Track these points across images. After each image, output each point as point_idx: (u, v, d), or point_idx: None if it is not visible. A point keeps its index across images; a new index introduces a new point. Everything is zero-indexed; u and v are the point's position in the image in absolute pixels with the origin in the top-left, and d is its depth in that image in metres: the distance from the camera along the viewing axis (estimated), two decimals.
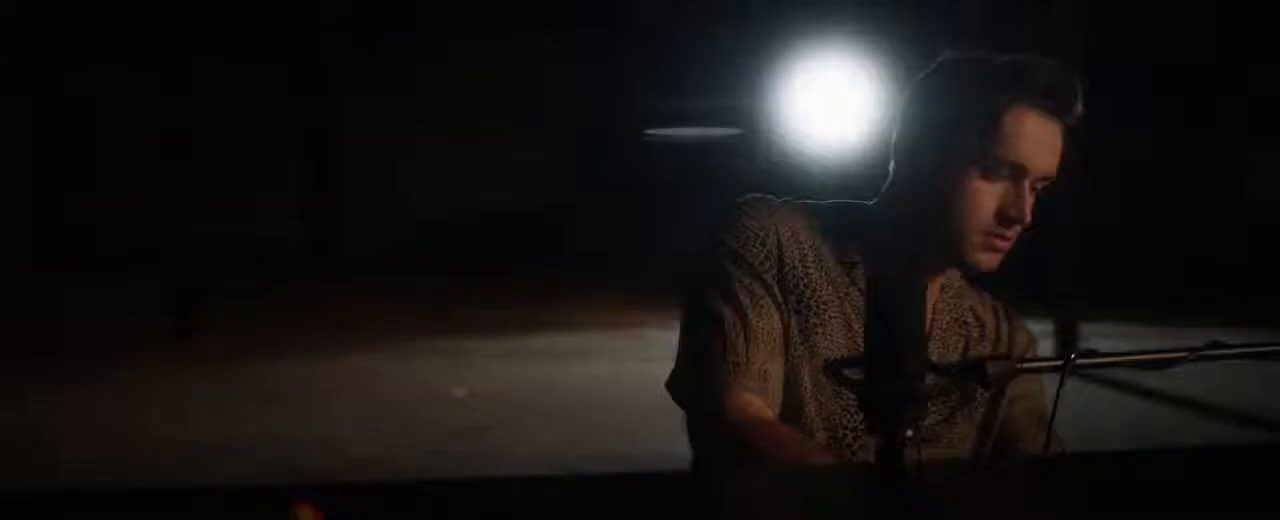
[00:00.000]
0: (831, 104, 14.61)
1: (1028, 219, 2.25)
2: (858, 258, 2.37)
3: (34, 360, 11.61)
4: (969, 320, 2.41)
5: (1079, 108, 2.29)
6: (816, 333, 2.29)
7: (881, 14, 14.79)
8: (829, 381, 2.25)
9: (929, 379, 1.56)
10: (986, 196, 2.25)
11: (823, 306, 2.32)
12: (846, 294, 2.34)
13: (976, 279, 2.42)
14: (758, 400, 2.19)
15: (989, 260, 2.28)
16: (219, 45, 19.05)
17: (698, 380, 2.29)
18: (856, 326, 2.31)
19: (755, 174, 17.29)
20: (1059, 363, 1.66)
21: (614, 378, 11.20)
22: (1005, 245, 2.27)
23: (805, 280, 2.33)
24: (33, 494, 1.38)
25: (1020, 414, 2.36)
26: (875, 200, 2.43)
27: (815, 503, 1.60)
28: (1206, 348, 1.72)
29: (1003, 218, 2.25)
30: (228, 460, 8.26)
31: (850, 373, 1.59)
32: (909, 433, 1.52)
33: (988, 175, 2.25)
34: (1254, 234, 17.48)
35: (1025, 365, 1.64)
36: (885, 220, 2.39)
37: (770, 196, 2.46)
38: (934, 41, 2.56)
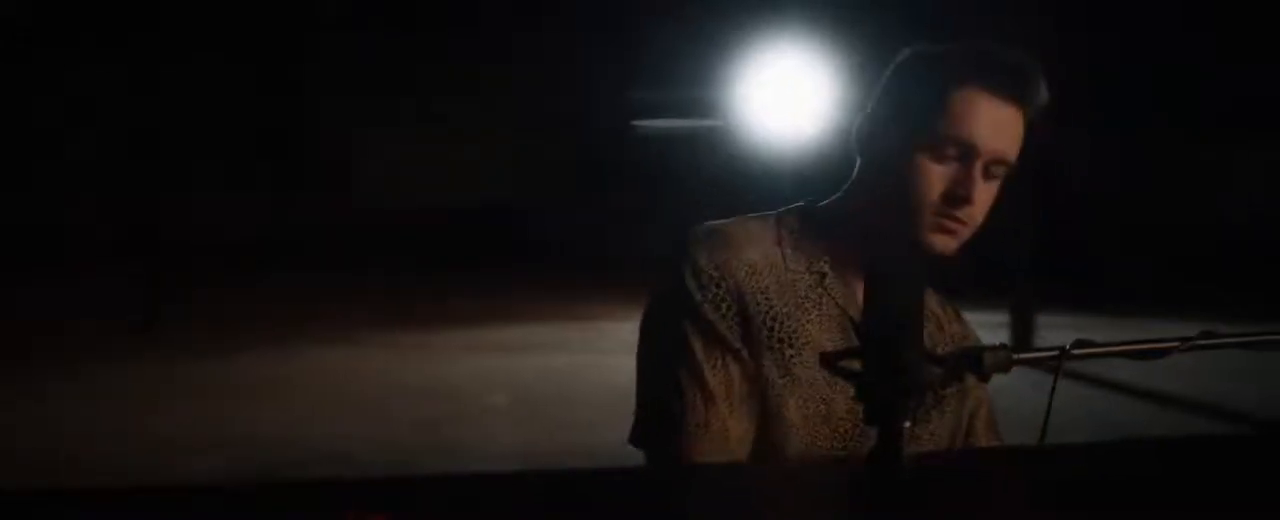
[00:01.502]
0: (789, 97, 14.66)
1: (974, 198, 2.21)
2: (826, 266, 2.32)
3: None
4: (927, 317, 2.34)
5: (1038, 94, 2.26)
6: (795, 362, 2.24)
7: (848, 14, 14.84)
8: (818, 407, 2.22)
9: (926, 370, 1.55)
10: (936, 176, 2.22)
11: (797, 335, 2.26)
12: (821, 309, 2.30)
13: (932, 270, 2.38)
14: (719, 461, 2.17)
15: (943, 243, 2.24)
16: (184, 44, 18.99)
17: (660, 440, 2.25)
18: (834, 340, 2.26)
19: (718, 166, 17.35)
20: (1055, 352, 1.65)
21: (572, 370, 11.22)
22: (957, 227, 2.23)
23: (773, 314, 2.26)
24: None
25: (977, 416, 2.37)
26: (836, 196, 2.39)
27: (813, 495, 1.60)
28: (1199, 337, 1.72)
29: (951, 197, 2.21)
30: (193, 454, 8.23)
31: (846, 364, 1.58)
32: (908, 423, 1.51)
33: (938, 155, 2.22)
34: (1231, 236, 17.61)
35: (1022, 356, 1.64)
36: (848, 215, 2.35)
37: (724, 224, 2.36)
38: (901, 40, 2.53)
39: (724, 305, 2.25)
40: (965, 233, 2.25)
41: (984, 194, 2.25)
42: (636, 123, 20.07)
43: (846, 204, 2.36)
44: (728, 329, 2.24)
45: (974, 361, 1.61)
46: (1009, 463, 1.75)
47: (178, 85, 19.79)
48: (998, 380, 1.71)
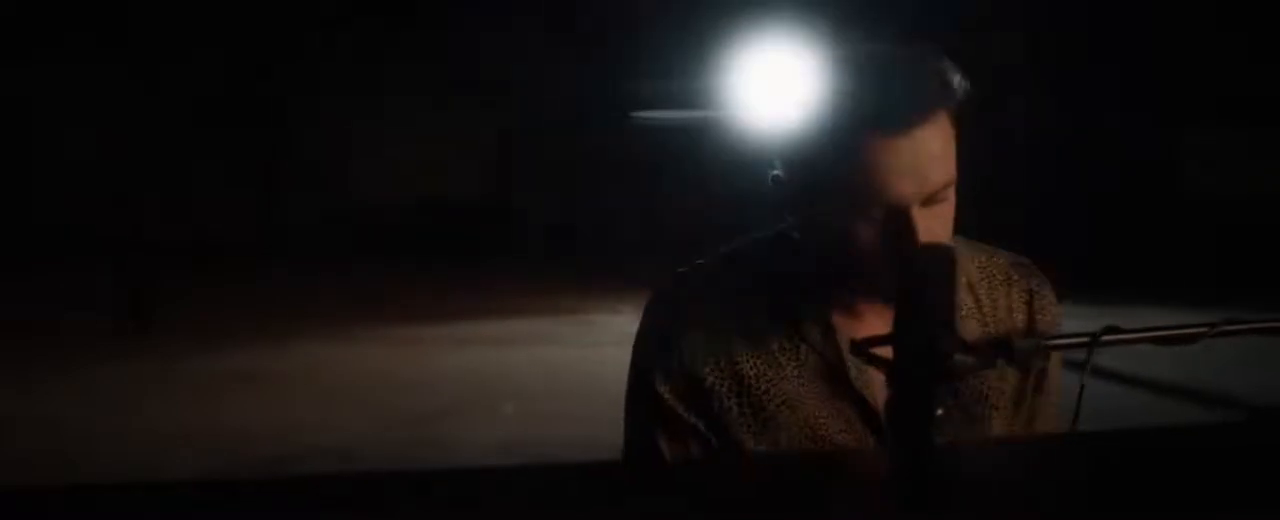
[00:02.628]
0: (785, 86, 14.61)
1: (919, 239, 1.94)
2: (804, 309, 2.13)
3: None
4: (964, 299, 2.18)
5: (942, 99, 1.98)
6: (773, 424, 2.10)
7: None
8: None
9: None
10: (871, 240, 1.98)
11: (772, 395, 2.10)
12: (798, 359, 2.12)
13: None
14: None
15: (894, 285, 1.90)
16: (174, 42, 18.98)
17: None
18: (816, 392, 2.11)
19: (716, 157, 17.33)
20: (1085, 339, 1.64)
21: (563, 363, 11.21)
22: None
23: (740, 379, 2.10)
24: None
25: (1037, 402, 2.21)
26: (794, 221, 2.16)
27: (845, 485, 1.59)
28: (1225, 323, 1.72)
29: (898, 255, 1.91)
30: (187, 450, 8.22)
31: (879, 351, 1.57)
32: (939, 412, 1.50)
33: (868, 219, 1.98)
34: (1188, 218, 17.68)
35: (1053, 343, 1.62)
36: (811, 249, 2.13)
37: (683, 287, 2.18)
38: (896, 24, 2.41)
39: (680, 381, 2.11)
40: None
41: (931, 220, 1.98)
42: (633, 114, 20.05)
43: (806, 238, 2.15)
44: (684, 407, 2.11)
45: (1005, 349, 1.59)
46: (1043, 451, 1.74)
47: (168, 82, 19.77)
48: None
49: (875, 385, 2.10)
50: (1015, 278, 2.26)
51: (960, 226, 2.10)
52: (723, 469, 1.99)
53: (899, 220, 1.96)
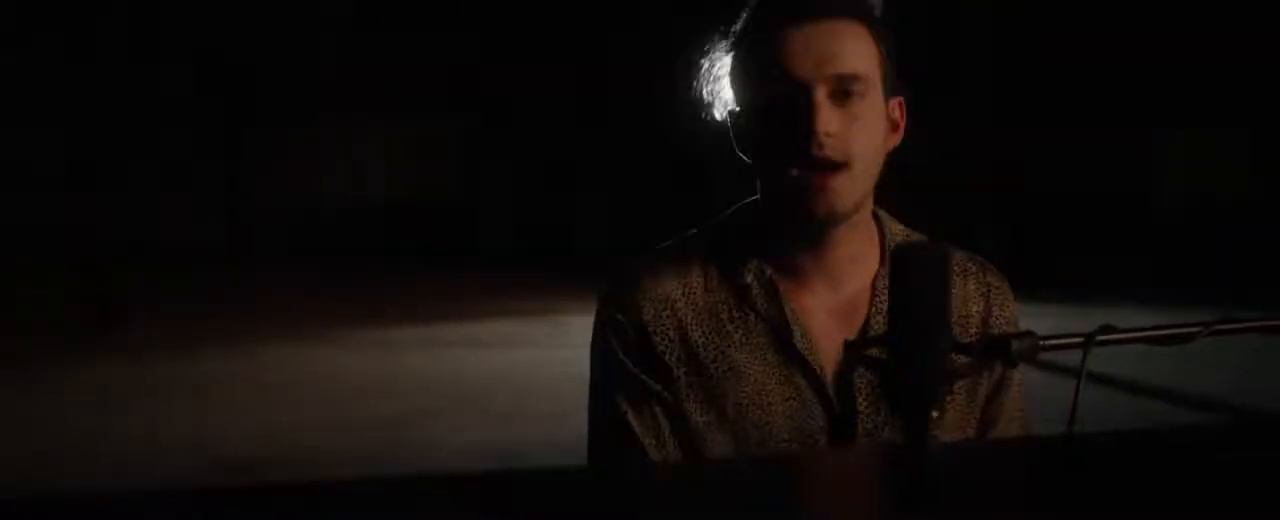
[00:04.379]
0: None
1: (822, 125, 2.03)
2: (751, 277, 2.18)
3: None
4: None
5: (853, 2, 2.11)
6: (718, 392, 2.15)
7: None
8: (750, 433, 2.14)
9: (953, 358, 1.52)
10: (781, 128, 2.06)
11: (717, 363, 2.16)
12: (746, 329, 2.17)
13: (816, 229, 2.14)
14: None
15: (824, 200, 2.05)
16: (143, 42, 18.91)
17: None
18: (763, 360, 2.15)
19: (686, 157, 17.33)
20: (1079, 339, 1.62)
21: (535, 364, 11.18)
22: (821, 178, 2.05)
23: (689, 347, 2.16)
24: None
25: (1000, 403, 2.24)
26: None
27: (839, 485, 1.56)
28: (1219, 321, 1.70)
29: (801, 133, 2.03)
30: (158, 454, 8.18)
31: (873, 353, 1.55)
32: (934, 414, 1.48)
33: (775, 102, 2.07)
34: (1161, 229, 17.74)
35: (1049, 342, 1.60)
36: (762, 207, 2.22)
37: (636, 260, 2.25)
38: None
39: (635, 348, 2.18)
40: (841, 178, 2.06)
41: (843, 120, 2.06)
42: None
43: (759, 204, 2.23)
44: (645, 371, 2.17)
45: (1002, 349, 1.57)
46: (1038, 453, 1.71)
47: (136, 82, 19.69)
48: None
49: (820, 351, 2.14)
50: (971, 269, 2.30)
51: (919, 222, 2.16)
52: (709, 470, 1.96)
53: (802, 97, 2.05)
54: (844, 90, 2.06)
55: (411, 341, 12.52)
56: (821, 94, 2.05)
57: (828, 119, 2.04)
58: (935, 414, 1.48)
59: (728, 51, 2.19)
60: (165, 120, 20.46)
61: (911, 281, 1.49)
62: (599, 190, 20.26)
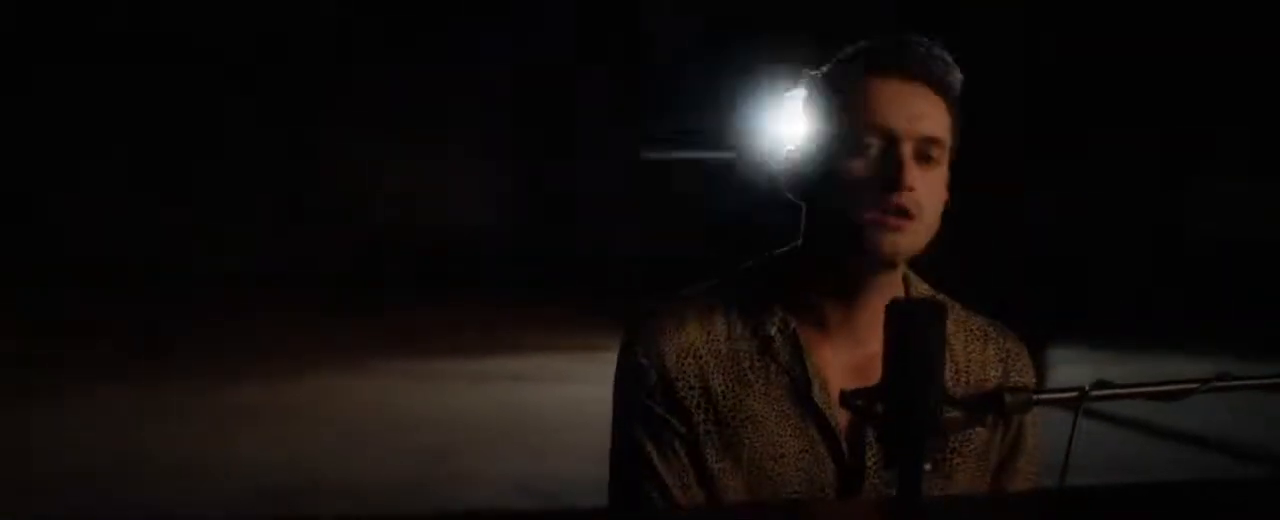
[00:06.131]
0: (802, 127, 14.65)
1: (908, 181, 2.13)
2: (774, 328, 2.24)
3: None
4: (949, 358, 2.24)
5: (946, 73, 2.20)
6: (735, 441, 2.20)
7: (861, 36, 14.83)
8: (764, 484, 2.18)
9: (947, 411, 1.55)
10: (862, 169, 2.15)
11: (737, 412, 2.21)
12: (767, 378, 2.23)
13: (866, 269, 2.22)
14: None
15: (890, 241, 2.14)
16: (189, 69, 19.07)
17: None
18: (781, 411, 2.21)
19: (730, 197, 17.34)
20: (1073, 394, 1.65)
21: (584, 401, 11.16)
22: (899, 221, 2.14)
23: (709, 395, 2.22)
24: None
25: (1019, 447, 2.26)
26: (790, 246, 2.32)
27: None
28: (1217, 379, 1.72)
29: (884, 183, 2.13)
30: (199, 482, 8.23)
31: (864, 404, 1.58)
32: (927, 466, 1.51)
33: (861, 152, 2.16)
34: (1191, 264, 17.57)
35: (1041, 397, 1.63)
36: (798, 260, 2.29)
37: (661, 306, 2.32)
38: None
39: (659, 394, 2.23)
40: (911, 227, 2.16)
41: (922, 180, 2.17)
42: (646, 154, 20.09)
43: (798, 250, 2.30)
44: (668, 413, 2.22)
45: (996, 403, 1.60)
46: (1033, 507, 1.74)
47: (183, 110, 19.82)
48: None
49: (837, 406, 2.15)
50: (991, 335, 2.36)
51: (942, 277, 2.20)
52: (721, 515, 2.00)
53: (893, 148, 2.15)
54: (926, 153, 2.18)
55: (463, 374, 12.49)
56: (908, 149, 2.15)
57: (913, 173, 2.15)
58: (928, 466, 1.51)
59: (807, 93, 2.27)
60: (221, 148, 20.59)
61: (905, 335, 1.52)
62: (654, 225, 20.23)
